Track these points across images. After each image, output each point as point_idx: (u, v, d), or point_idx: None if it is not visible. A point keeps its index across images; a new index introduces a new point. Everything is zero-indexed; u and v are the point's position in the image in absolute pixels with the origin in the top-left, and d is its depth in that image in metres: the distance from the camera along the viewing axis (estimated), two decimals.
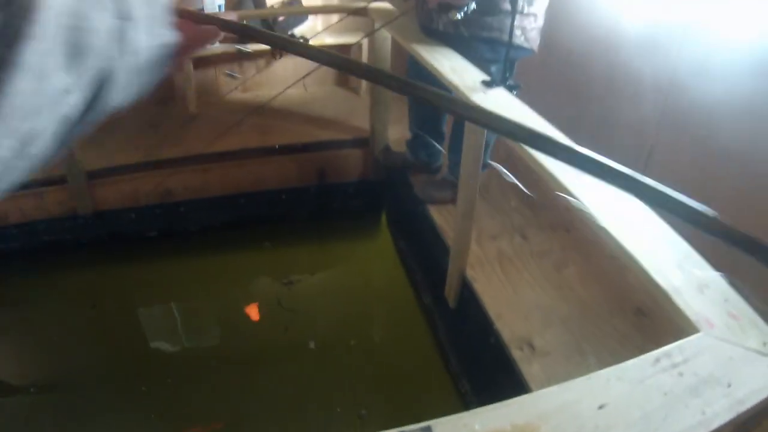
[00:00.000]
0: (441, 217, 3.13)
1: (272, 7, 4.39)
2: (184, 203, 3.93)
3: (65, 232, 3.93)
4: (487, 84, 2.30)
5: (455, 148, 3.02)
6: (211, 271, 3.75)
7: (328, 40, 4.45)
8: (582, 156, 0.57)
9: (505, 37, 2.56)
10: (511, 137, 0.60)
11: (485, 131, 2.24)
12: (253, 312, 3.42)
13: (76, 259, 3.88)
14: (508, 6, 2.55)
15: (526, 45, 2.71)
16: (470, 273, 2.70)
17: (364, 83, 4.57)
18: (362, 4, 3.53)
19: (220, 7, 4.27)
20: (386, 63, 3.57)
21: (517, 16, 2.54)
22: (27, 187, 3.73)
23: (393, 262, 3.76)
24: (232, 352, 3.20)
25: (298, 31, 4.44)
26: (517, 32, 2.62)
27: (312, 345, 3.13)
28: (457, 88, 2.29)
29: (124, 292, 3.66)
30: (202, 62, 4.49)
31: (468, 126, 2.35)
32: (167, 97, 4.67)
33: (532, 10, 2.64)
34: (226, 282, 3.71)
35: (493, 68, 2.63)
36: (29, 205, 3.82)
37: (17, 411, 2.92)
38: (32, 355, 3.38)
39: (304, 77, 3.18)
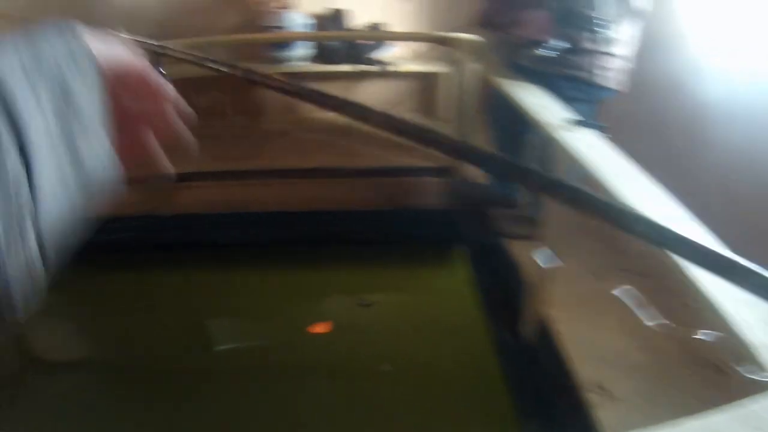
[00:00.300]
0: (520, 251, 3.10)
1: (357, 31, 4.48)
2: (263, 215, 4.01)
3: (141, 231, 4.09)
4: (574, 123, 2.29)
5: None
6: (285, 286, 3.78)
7: (412, 67, 4.52)
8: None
9: (588, 76, 2.57)
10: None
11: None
12: (325, 329, 3.46)
13: (148, 258, 4.03)
14: (591, 44, 2.54)
15: (610, 84, 2.68)
16: (547, 311, 2.66)
17: (451, 112, 4.59)
18: (449, 34, 3.57)
19: (308, 26, 4.40)
20: (472, 95, 3.59)
21: (601, 55, 2.53)
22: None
23: (467, 293, 3.72)
24: (299, 367, 3.20)
25: (381, 56, 4.51)
26: (600, 71, 2.61)
27: (386, 367, 3.13)
28: (542, 126, 2.28)
29: (192, 296, 3.75)
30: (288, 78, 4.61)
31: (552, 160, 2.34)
32: (254, 110, 4.85)
33: (617, 49, 2.62)
34: (299, 298, 3.74)
35: (578, 107, 2.59)
36: (119, 200, 3.99)
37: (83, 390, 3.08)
38: (94, 344, 3.57)
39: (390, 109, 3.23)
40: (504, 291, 3.25)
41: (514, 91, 2.64)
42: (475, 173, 3.81)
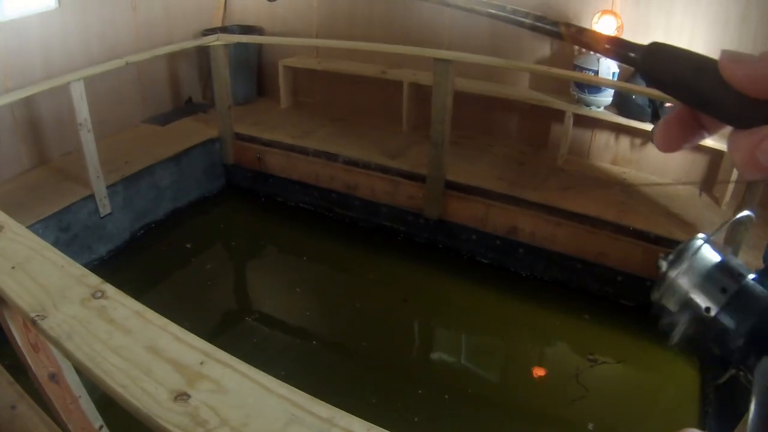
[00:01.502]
0: None
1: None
2: (525, 246, 4.18)
3: (404, 225, 4.49)
4: None
5: None
6: (523, 318, 3.93)
7: (708, 141, 4.40)
8: None
9: None
10: None
11: None
12: (543, 373, 3.55)
13: (405, 252, 4.40)
14: None
15: None
16: None
17: (728, 195, 4.43)
18: None
19: (614, 74, 4.45)
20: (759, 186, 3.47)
21: None
22: (386, 171, 4.38)
23: (692, 386, 3.60)
24: (506, 403, 3.35)
25: None
26: None
27: (591, 427, 3.16)
28: None
29: (435, 299, 4.05)
30: (582, 121, 4.74)
31: None
32: (541, 143, 5.02)
33: None
34: (529, 334, 3.86)
35: None
36: (381, 187, 4.46)
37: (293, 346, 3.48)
38: (328, 314, 3.94)
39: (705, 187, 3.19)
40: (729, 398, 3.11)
41: None
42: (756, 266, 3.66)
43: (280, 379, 0.95)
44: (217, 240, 4.69)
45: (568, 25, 0.46)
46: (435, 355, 3.72)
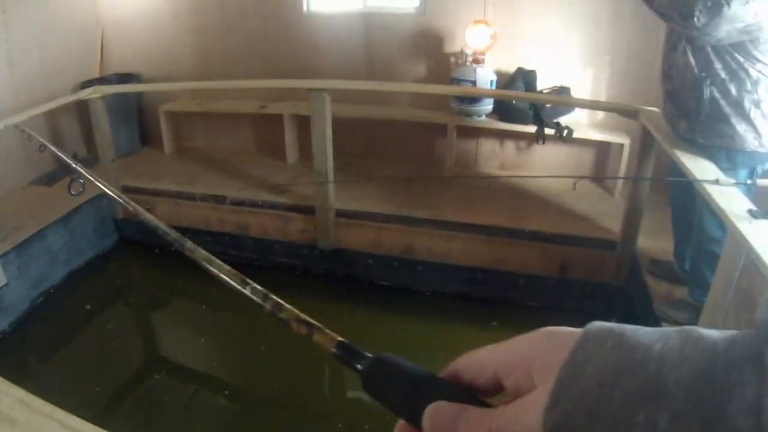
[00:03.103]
0: None
1: (542, 92, 4.53)
2: (423, 263, 4.16)
3: (300, 259, 4.42)
4: (753, 214, 2.22)
5: (698, 268, 2.98)
6: (432, 336, 3.88)
7: (593, 135, 4.51)
8: None
9: (738, 144, 2.59)
10: None
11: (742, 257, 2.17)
12: None
13: (303, 286, 4.32)
14: (734, 109, 2.57)
15: (761, 149, 2.64)
16: None
17: (619, 184, 4.52)
18: (632, 105, 3.56)
19: (492, 82, 4.51)
20: (650, 166, 3.53)
21: (750, 120, 2.55)
22: (274, 207, 4.32)
23: None
24: None
25: (564, 119, 4.53)
26: (749, 136, 2.60)
27: None
28: (724, 214, 2.23)
29: (339, 330, 3.92)
30: (465, 132, 4.77)
31: (727, 250, 2.29)
32: (427, 159, 5.04)
33: (766, 107, 2.56)
34: (445, 351, 3.82)
35: (735, 174, 2.61)
36: (272, 224, 4.40)
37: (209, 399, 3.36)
38: (235, 361, 3.84)
39: (577, 179, 3.25)
40: None
41: (693, 170, 2.59)
42: (644, 251, 3.74)
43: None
44: (115, 298, 4.53)
45: (299, 321, 0.48)
46: (348, 387, 3.64)
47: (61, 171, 5.11)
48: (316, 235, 4.26)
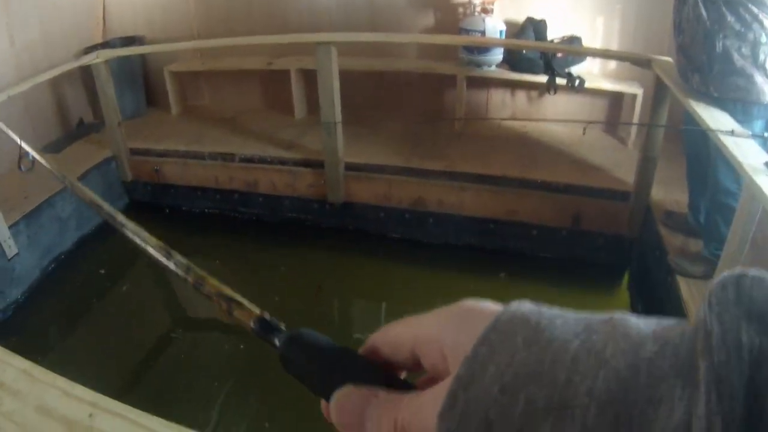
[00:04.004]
0: (689, 291, 2.94)
1: (552, 41, 4.44)
2: (435, 215, 4.12)
3: (310, 214, 4.40)
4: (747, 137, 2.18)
5: (712, 221, 2.95)
6: (441, 287, 3.86)
7: (605, 85, 4.43)
8: None
9: (753, 97, 2.55)
10: None
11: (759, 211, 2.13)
12: None
13: (314, 240, 4.32)
14: (748, 62, 2.52)
15: None
16: None
17: (633, 134, 4.46)
18: (645, 54, 3.48)
19: (501, 32, 4.42)
20: (664, 116, 3.46)
21: (763, 71, 2.52)
22: (283, 163, 4.27)
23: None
24: None
25: (575, 69, 4.45)
26: (766, 88, 2.57)
27: None
28: (740, 166, 2.17)
29: (351, 283, 3.97)
30: (475, 82, 4.70)
31: (742, 204, 2.24)
32: (436, 111, 4.97)
33: None
34: (451, 301, 3.82)
35: (752, 125, 2.58)
36: (281, 180, 4.36)
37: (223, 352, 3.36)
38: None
39: (587, 124, 3.19)
40: None
41: (709, 121, 2.54)
42: (657, 202, 3.69)
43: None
44: (128, 261, 4.52)
45: (219, 295, 0.46)
46: (358, 337, 3.64)
47: (69, 138, 5.09)
48: (325, 190, 4.23)
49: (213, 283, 0.47)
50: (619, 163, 4.15)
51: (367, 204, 4.24)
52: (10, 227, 3.83)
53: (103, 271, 4.26)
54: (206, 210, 4.70)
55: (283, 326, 0.41)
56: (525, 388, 0.25)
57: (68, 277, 4.21)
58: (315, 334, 0.39)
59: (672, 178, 3.77)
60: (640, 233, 3.78)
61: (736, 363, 0.22)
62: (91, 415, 0.95)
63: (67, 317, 3.86)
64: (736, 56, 2.57)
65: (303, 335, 0.39)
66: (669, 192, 3.75)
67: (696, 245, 3.25)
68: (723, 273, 0.25)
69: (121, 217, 0.66)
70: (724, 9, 2.54)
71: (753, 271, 0.24)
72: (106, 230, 4.62)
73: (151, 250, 0.55)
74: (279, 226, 4.48)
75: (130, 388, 3.24)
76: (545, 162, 4.16)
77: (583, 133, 3.32)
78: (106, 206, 0.71)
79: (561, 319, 0.28)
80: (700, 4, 2.62)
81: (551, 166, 4.11)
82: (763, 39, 2.51)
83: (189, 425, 0.95)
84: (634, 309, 3.65)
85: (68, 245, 4.37)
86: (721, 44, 2.58)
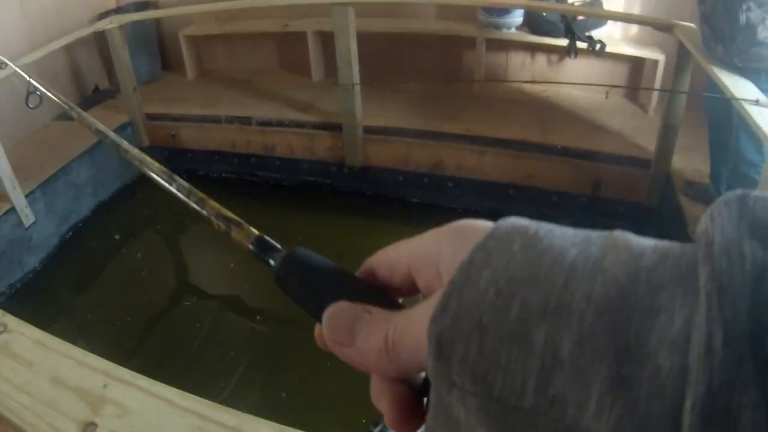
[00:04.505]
0: None
1: (573, 4, 4.37)
2: (454, 179, 4.09)
3: (328, 178, 4.38)
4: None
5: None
6: None
7: (626, 50, 4.36)
8: None
9: None
10: None
11: None
12: None
13: (332, 205, 4.30)
14: None
15: None
16: None
17: (653, 101, 4.39)
18: (668, 20, 3.41)
19: None
20: (686, 83, 3.40)
21: None
22: (301, 126, 4.24)
23: None
24: None
25: (596, 33, 4.37)
26: None
27: None
28: (766, 137, 2.13)
29: (371, 248, 3.90)
30: (494, 45, 4.63)
31: (766, 175, 2.20)
32: (455, 73, 4.91)
33: None
34: None
35: None
36: (299, 143, 4.32)
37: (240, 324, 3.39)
38: (264, 280, 3.79)
39: (609, 88, 3.14)
40: None
41: (734, 90, 2.50)
42: (677, 171, 3.64)
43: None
44: (144, 227, 4.54)
45: (219, 216, 0.46)
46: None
47: (85, 105, 5.07)
48: (343, 153, 4.20)
49: (213, 204, 0.48)
50: (639, 130, 4.08)
51: (385, 168, 4.20)
52: (26, 196, 3.83)
53: (117, 237, 4.28)
54: (224, 174, 4.67)
55: (281, 247, 0.40)
56: (520, 291, 0.24)
57: (85, 243, 4.23)
58: (312, 253, 0.38)
59: (693, 146, 3.71)
60: (660, 202, 3.73)
61: (739, 273, 0.21)
62: (105, 386, 0.96)
63: (83, 284, 3.89)
64: (759, 28, 2.52)
65: (299, 254, 0.38)
66: (690, 161, 3.69)
67: None
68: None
69: (125, 144, 0.67)
70: None
71: (756, 192, 0.24)
72: (123, 196, 4.63)
73: (154, 176, 0.56)
74: (297, 190, 4.45)
75: (145, 355, 3.25)
76: (565, 127, 4.11)
77: (606, 98, 3.28)
78: (112, 135, 0.70)
79: (560, 230, 0.28)
80: None
81: (571, 131, 4.05)
82: None
83: (203, 395, 0.95)
84: None
85: (85, 212, 4.38)
86: (744, 16, 2.53)
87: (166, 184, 0.53)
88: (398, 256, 0.35)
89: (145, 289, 3.82)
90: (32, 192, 3.92)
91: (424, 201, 4.20)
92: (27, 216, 3.82)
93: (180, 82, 5.37)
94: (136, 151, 0.62)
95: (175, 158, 4.72)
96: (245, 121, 4.41)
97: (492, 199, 4.06)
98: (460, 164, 4.03)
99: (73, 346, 1.06)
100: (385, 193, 4.26)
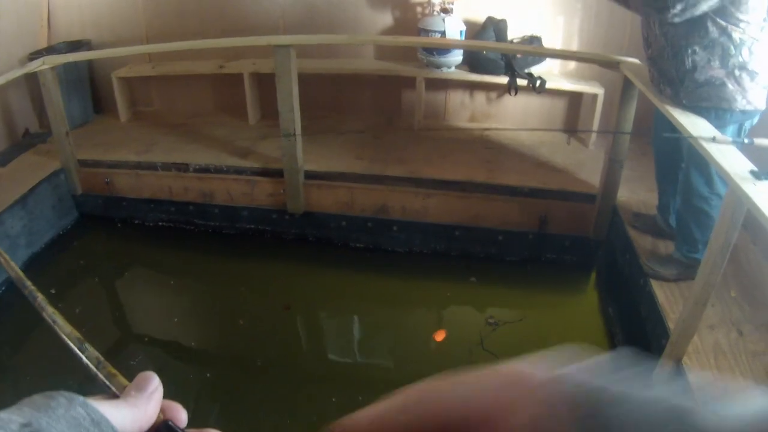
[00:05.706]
0: (663, 294, 2.91)
1: (513, 42, 4.38)
2: (398, 223, 4.02)
3: (270, 224, 4.26)
4: (756, 175, 2.10)
5: (685, 224, 2.92)
6: (412, 295, 3.79)
7: (566, 85, 4.39)
8: None
9: (726, 105, 2.56)
10: None
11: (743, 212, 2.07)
12: (443, 336, 3.41)
13: (274, 252, 4.18)
14: (719, 73, 2.52)
15: (749, 107, 2.59)
16: (684, 360, 2.50)
17: (593, 134, 4.42)
18: (613, 57, 3.43)
19: (461, 33, 4.35)
20: (630, 117, 3.41)
21: (737, 81, 2.51)
22: (240, 172, 4.13)
23: (597, 325, 3.57)
24: (417, 379, 3.20)
25: (535, 69, 4.40)
26: (738, 96, 2.55)
27: None
28: (727, 175, 2.11)
29: (318, 296, 3.84)
30: (434, 84, 4.61)
31: (726, 210, 2.18)
32: (395, 113, 4.87)
33: (752, 67, 2.50)
34: (424, 309, 3.74)
35: (726, 130, 2.58)
36: (238, 190, 4.20)
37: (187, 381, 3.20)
38: (212, 335, 3.67)
39: (572, 133, 3.12)
40: (637, 330, 3.09)
41: (688, 127, 2.50)
42: (624, 204, 3.65)
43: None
44: (80, 278, 4.30)
45: None
46: (334, 354, 3.51)
47: (15, 150, 4.85)
48: (285, 199, 4.08)
49: (123, 381, 0.46)
50: (581, 164, 4.11)
51: (328, 213, 4.11)
52: None
53: (53, 291, 4.03)
54: (161, 223, 4.49)
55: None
56: None
57: (19, 299, 3.97)
58: None
59: (637, 177, 3.75)
60: (608, 235, 3.74)
61: None
62: None
63: (18, 343, 3.64)
64: (705, 69, 2.55)
65: None
66: (635, 192, 3.73)
67: (666, 247, 3.22)
68: None
69: (40, 298, 0.59)
70: (691, 26, 2.50)
71: None
72: (57, 246, 4.42)
73: (65, 339, 0.52)
74: (237, 238, 4.31)
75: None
76: (509, 165, 4.11)
77: (568, 143, 3.27)
78: (30, 285, 0.63)
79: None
80: (666, 23, 2.58)
81: (515, 169, 4.05)
82: (732, 51, 2.48)
83: None
84: (605, 309, 3.62)
85: (19, 264, 4.13)
86: (690, 60, 2.57)
87: (77, 351, 0.50)
88: (451, 411, 0.35)
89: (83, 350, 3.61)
90: None
91: (369, 245, 4.12)
92: None
93: (113, 126, 5.17)
94: (50, 310, 0.56)
95: (110, 206, 4.53)
96: (182, 167, 4.25)
97: (439, 241, 4.01)
98: (405, 207, 3.96)
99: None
100: (329, 238, 4.17)
